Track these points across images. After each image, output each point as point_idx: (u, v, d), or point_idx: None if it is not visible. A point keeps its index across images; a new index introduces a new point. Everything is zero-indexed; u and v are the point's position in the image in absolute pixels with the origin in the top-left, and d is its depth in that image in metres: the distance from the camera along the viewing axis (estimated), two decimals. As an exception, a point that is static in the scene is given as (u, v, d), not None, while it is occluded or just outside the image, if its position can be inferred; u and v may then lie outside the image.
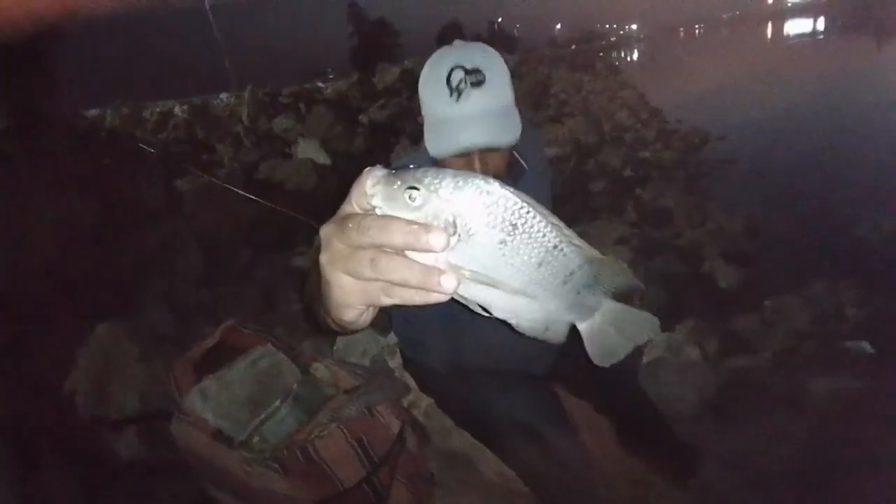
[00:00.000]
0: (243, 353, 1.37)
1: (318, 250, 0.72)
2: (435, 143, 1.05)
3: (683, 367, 2.36)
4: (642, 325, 0.53)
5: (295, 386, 1.36)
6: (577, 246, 0.43)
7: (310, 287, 0.67)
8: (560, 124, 8.94)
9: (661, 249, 4.38)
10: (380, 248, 0.39)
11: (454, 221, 0.39)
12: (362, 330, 0.50)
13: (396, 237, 0.38)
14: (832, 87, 14.70)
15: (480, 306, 0.44)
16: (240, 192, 4.80)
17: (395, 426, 1.21)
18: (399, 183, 0.39)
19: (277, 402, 1.30)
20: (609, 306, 0.51)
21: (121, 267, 3.57)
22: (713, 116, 11.79)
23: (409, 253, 0.39)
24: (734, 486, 1.85)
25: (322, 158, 6.98)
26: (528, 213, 0.40)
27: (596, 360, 0.54)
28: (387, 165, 0.44)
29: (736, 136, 9.82)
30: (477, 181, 0.39)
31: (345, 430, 1.11)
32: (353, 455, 1.10)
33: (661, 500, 1.88)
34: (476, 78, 1.02)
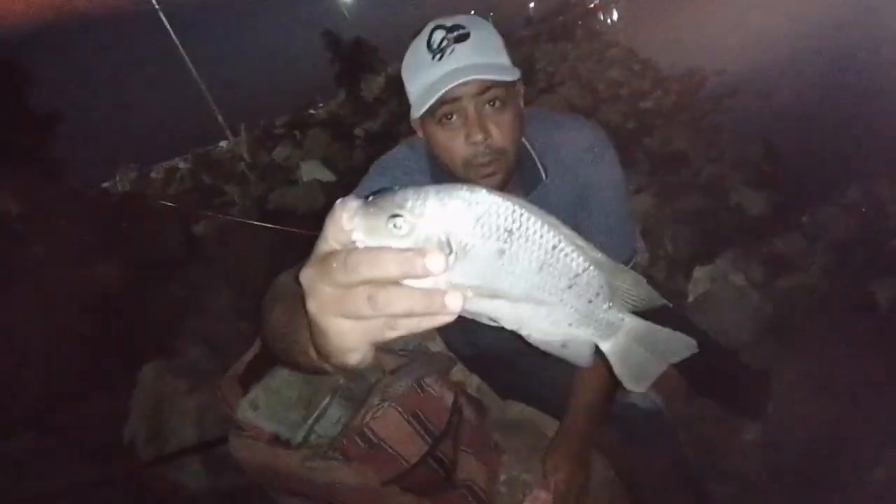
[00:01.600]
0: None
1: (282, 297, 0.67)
2: (418, 105, 0.92)
3: (733, 295, 2.26)
4: (676, 346, 0.48)
5: (341, 381, 1.34)
6: (579, 246, 0.40)
7: (279, 330, 0.62)
8: (552, 93, 8.81)
9: (684, 190, 4.25)
10: (373, 282, 0.36)
11: (447, 240, 0.36)
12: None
13: (391, 269, 0.34)
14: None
15: (490, 318, 0.42)
16: (254, 222, 4.85)
17: (448, 397, 1.18)
18: (379, 213, 0.35)
19: (327, 399, 1.28)
20: (633, 323, 0.46)
21: (155, 318, 3.62)
22: (706, 54, 11.46)
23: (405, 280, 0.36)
24: (819, 404, 1.77)
25: (326, 177, 7.03)
26: (522, 215, 0.37)
27: (626, 384, 0.49)
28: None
29: (733, 67, 9.53)
30: (462, 193, 0.36)
31: (398, 408, 1.08)
32: (412, 431, 1.07)
33: (738, 433, 1.81)
34: (459, 32, 0.91)
